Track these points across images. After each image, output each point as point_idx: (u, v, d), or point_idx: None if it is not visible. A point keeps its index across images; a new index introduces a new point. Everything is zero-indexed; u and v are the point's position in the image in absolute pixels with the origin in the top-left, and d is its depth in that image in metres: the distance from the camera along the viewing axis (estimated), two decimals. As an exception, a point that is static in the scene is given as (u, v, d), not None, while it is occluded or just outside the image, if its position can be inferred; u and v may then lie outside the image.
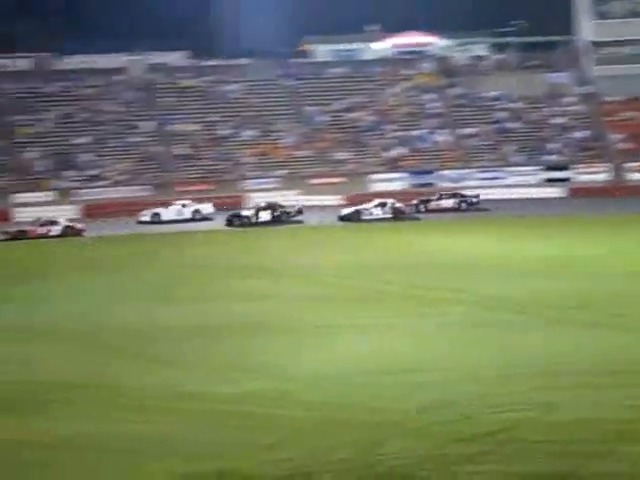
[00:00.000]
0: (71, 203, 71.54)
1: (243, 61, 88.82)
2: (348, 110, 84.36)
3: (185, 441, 22.89)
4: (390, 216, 64.11)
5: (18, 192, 73.27)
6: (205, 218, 65.82)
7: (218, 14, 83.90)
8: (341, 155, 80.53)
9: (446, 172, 78.73)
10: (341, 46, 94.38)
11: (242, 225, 63.10)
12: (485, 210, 67.08)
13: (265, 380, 27.55)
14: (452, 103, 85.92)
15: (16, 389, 27.69)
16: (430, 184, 76.92)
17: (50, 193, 73.70)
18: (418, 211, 66.74)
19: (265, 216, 63.70)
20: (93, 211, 70.15)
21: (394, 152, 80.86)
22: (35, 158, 77.58)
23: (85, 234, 61.52)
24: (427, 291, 40.15)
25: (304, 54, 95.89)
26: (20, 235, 60.15)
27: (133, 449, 22.57)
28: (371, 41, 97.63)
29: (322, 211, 67.23)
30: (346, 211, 64.95)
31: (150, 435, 23.48)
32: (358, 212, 64.32)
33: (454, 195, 68.73)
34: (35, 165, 77.11)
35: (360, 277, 44.03)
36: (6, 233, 60.41)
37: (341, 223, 64.08)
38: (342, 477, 20.25)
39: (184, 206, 66.67)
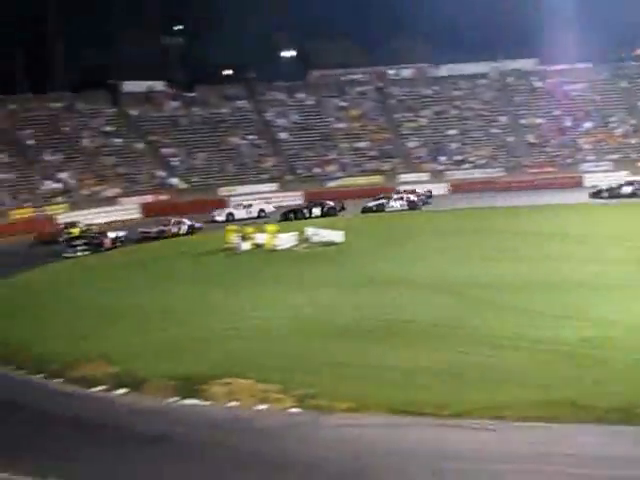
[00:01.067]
0: (443, 182, 73.18)
1: (583, 65, 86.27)
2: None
3: (531, 374, 22.65)
4: (407, 208, 60.62)
5: (402, 173, 76.00)
6: (267, 216, 60.46)
7: (561, 26, 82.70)
8: (667, 142, 76.64)
9: None
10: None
11: (297, 219, 57.45)
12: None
13: (596, 328, 26.48)
14: None
15: (394, 326, 28.02)
16: None
17: (426, 174, 75.50)
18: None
19: (317, 212, 59.69)
20: (458, 188, 71.47)
21: None
22: (416, 147, 79.82)
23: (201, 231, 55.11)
24: None
25: (637, 58, 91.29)
26: (159, 234, 53.22)
27: (487, 377, 22.51)
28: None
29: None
30: (371, 204, 60.89)
31: (503, 367, 23.28)
32: (382, 205, 60.68)
33: (413, 192, 63.91)
34: (416, 152, 79.30)
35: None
36: (147, 233, 53.43)
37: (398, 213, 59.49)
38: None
39: (251, 206, 62.30)
